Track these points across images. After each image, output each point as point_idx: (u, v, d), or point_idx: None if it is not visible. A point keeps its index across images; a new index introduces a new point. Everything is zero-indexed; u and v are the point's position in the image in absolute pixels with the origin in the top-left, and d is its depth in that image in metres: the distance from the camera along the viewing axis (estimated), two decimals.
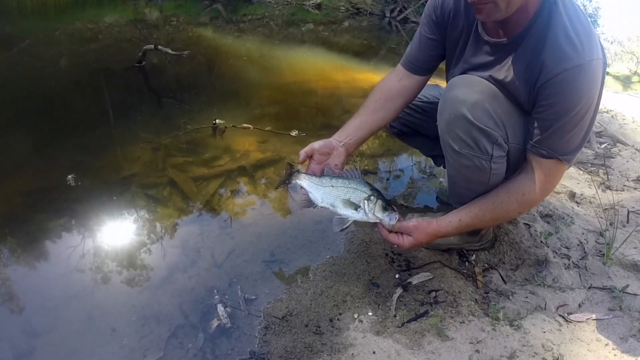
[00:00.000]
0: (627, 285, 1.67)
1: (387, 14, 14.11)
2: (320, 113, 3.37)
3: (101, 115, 3.29)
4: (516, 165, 1.56)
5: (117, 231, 1.97)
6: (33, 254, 1.84)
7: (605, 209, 2.33)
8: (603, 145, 3.57)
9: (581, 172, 2.92)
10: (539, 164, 1.46)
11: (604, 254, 1.87)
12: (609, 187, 2.70)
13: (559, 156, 1.43)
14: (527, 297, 1.65)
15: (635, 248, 1.94)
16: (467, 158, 1.51)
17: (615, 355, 1.41)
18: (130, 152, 2.58)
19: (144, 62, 4.31)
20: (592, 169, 3.01)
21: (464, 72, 1.59)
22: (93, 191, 2.21)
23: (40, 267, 1.79)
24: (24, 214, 2.05)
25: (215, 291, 1.64)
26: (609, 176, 2.85)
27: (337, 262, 1.79)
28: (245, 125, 2.86)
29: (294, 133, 2.83)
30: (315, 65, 5.38)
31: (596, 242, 1.99)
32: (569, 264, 1.83)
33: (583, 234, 2.05)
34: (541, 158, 1.45)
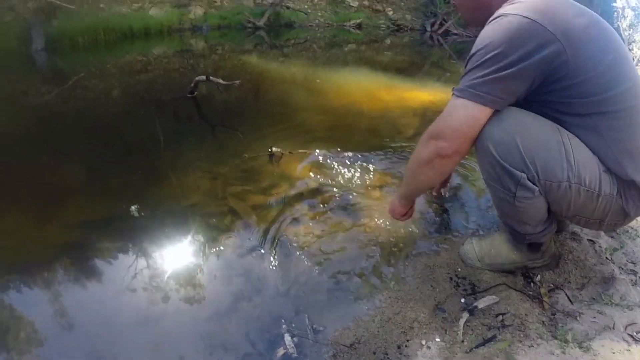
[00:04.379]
0: None
1: (428, 29, 14.10)
2: (372, 135, 3.40)
3: (157, 145, 3.42)
4: (561, 206, 1.53)
5: (181, 260, 2.03)
6: (97, 282, 1.93)
7: None
8: None
9: None
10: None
11: None
12: None
13: (454, 89, 1.48)
14: (594, 317, 1.61)
15: None
16: (494, 189, 1.56)
17: None
18: (189, 182, 2.66)
19: (195, 93, 4.44)
20: None
21: None
22: (155, 220, 2.29)
23: (105, 294, 1.87)
24: (86, 243, 2.15)
25: (282, 320, 1.67)
26: None
27: (402, 287, 1.80)
28: (301, 150, 2.92)
29: (349, 155, 2.88)
30: (362, 86, 5.41)
31: None
32: (635, 280, 1.79)
33: None
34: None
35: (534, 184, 1.45)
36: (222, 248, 2.08)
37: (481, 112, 1.44)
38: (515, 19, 1.39)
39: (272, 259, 1.98)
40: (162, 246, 2.11)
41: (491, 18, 1.46)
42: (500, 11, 1.46)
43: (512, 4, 1.47)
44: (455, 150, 1.50)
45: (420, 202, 2.35)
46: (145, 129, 3.92)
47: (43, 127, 4.10)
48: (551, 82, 1.41)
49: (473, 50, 1.45)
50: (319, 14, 13.23)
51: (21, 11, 9.14)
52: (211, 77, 4.22)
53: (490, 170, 1.52)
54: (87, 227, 2.27)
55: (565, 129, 1.45)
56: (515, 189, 1.47)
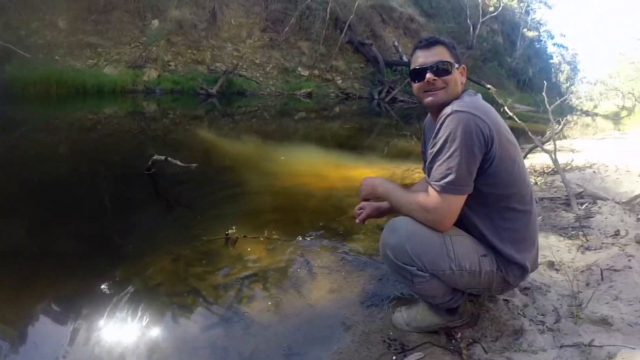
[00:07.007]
0: (593, 340, 1.93)
1: (376, 96, 14.73)
2: (320, 216, 3.75)
3: (113, 216, 3.63)
4: (452, 284, 1.96)
5: (150, 339, 2.15)
6: None
7: (582, 271, 2.59)
8: (584, 206, 3.79)
9: (562, 238, 3.19)
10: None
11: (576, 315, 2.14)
12: (587, 249, 2.94)
13: (432, 182, 1.84)
14: None
15: (607, 303, 2.24)
16: (398, 279, 2.14)
17: None
18: (153, 261, 2.83)
19: (152, 170, 4.63)
20: (572, 232, 3.26)
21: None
22: (122, 301, 2.39)
23: None
24: (45, 321, 2.26)
25: None
26: (588, 237, 3.07)
27: (344, 350, 2.07)
28: (254, 235, 3.21)
29: (299, 238, 3.23)
30: (311, 165, 5.85)
31: (569, 305, 2.27)
32: (543, 329, 2.10)
33: (558, 299, 2.33)
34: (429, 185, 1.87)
35: (424, 272, 1.89)
36: (187, 325, 2.27)
37: (463, 200, 1.86)
38: (469, 118, 1.77)
39: (233, 332, 2.21)
40: (131, 325, 2.23)
41: (447, 112, 1.82)
42: (453, 107, 1.82)
43: (459, 101, 1.89)
44: (445, 228, 1.90)
45: (361, 278, 2.72)
46: (97, 195, 4.08)
47: None
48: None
49: (437, 140, 1.83)
50: (271, 82, 13.63)
51: None
52: (169, 158, 4.45)
53: (391, 269, 2.00)
54: (48, 303, 2.36)
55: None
56: (411, 277, 1.92)
